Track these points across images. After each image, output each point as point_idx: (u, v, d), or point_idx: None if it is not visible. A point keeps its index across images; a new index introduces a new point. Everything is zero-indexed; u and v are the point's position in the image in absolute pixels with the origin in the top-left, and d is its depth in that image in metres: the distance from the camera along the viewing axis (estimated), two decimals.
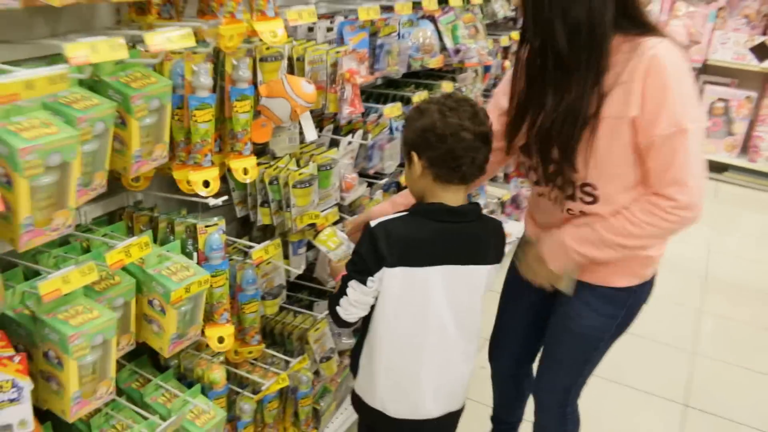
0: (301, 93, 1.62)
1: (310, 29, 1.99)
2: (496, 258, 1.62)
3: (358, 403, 1.75)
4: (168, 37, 1.27)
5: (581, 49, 1.40)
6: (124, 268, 1.39)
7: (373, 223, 1.51)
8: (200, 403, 1.64)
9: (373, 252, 1.49)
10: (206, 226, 1.55)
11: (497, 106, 1.69)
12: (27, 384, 1.09)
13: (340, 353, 2.26)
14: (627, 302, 1.68)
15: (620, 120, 1.43)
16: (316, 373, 2.17)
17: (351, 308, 1.56)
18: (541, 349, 1.88)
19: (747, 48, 5.12)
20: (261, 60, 1.61)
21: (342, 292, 1.56)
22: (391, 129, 2.19)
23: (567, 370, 1.80)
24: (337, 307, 1.58)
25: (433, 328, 1.59)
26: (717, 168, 5.48)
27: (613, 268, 1.62)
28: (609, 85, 1.42)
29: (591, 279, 1.65)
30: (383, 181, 2.28)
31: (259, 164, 1.73)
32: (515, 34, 3.20)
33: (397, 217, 1.53)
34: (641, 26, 1.44)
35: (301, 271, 1.96)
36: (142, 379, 1.71)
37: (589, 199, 1.55)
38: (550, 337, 1.80)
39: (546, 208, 1.68)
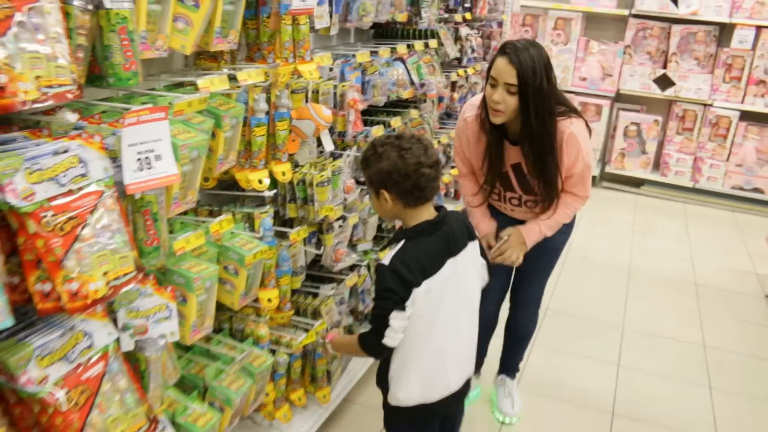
0: (322, 115, 2.21)
1: None
2: (471, 236, 2.00)
3: (396, 412, 2.02)
4: (248, 73, 1.85)
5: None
6: (207, 243, 1.94)
7: (386, 262, 1.82)
8: (255, 349, 2.17)
9: (401, 282, 1.79)
10: (261, 213, 2.11)
11: (466, 161, 2.58)
12: (174, 306, 1.62)
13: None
14: (571, 228, 2.65)
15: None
16: None
17: (396, 335, 1.85)
18: (517, 271, 2.74)
19: (651, 79, 5.98)
20: (292, 92, 2.20)
21: (383, 326, 1.83)
22: None
23: (542, 277, 2.77)
24: (384, 340, 1.85)
25: (448, 314, 1.91)
26: (635, 183, 6.29)
27: None
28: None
29: None
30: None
31: None
32: (462, 72, 3.88)
33: (400, 249, 1.84)
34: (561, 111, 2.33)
35: (320, 252, 2.51)
36: (203, 339, 2.23)
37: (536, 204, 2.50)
38: (531, 259, 2.52)
39: (502, 210, 2.64)
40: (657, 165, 6.23)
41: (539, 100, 2.18)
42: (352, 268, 2.90)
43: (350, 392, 2.92)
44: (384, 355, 1.95)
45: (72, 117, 1.31)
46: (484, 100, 2.33)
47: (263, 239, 2.11)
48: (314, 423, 2.62)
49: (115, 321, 1.51)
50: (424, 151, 1.81)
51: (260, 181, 2.07)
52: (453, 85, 3.91)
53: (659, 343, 3.68)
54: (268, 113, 2.01)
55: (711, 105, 5.86)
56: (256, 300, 2.17)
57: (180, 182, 1.56)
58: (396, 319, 1.82)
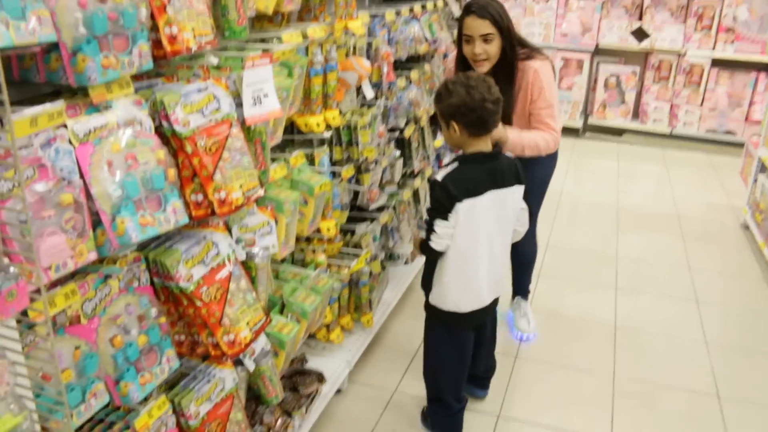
0: (364, 66, 2.53)
1: None
2: (519, 180, 2.29)
3: (433, 311, 2.42)
4: (305, 29, 2.17)
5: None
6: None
7: (439, 178, 2.16)
8: (320, 273, 2.52)
9: (447, 196, 2.15)
10: (320, 152, 2.43)
11: None
12: (274, 223, 1.94)
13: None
14: (553, 162, 2.93)
15: (524, 102, 2.71)
16: None
17: (440, 240, 2.20)
18: None
19: (628, 32, 6.35)
20: (337, 47, 2.51)
21: (430, 230, 2.20)
22: (400, 97, 3.12)
23: (534, 207, 2.90)
24: (430, 243, 2.22)
25: (485, 237, 2.24)
26: (616, 132, 6.69)
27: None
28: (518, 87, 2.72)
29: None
30: (396, 134, 3.21)
31: None
32: None
33: (453, 169, 2.17)
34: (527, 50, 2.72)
35: (361, 188, 2.85)
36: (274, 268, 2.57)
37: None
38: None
39: None
40: (636, 114, 6.63)
41: (511, 39, 2.62)
42: (381, 209, 3.24)
43: (386, 320, 3.28)
44: (432, 256, 2.31)
45: (214, 60, 1.62)
46: (456, 62, 2.78)
47: (323, 174, 2.43)
48: (361, 344, 2.98)
49: (230, 234, 1.84)
50: (488, 89, 2.13)
51: (318, 124, 2.39)
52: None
53: (649, 267, 4.09)
54: (323, 65, 2.33)
55: (684, 54, 6.25)
56: (317, 230, 2.50)
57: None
58: (440, 226, 2.19)
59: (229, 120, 1.62)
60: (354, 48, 2.65)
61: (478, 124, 2.15)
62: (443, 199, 2.17)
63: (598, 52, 6.59)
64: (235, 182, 1.60)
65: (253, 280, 1.92)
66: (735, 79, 6.18)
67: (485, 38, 2.56)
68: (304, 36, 2.14)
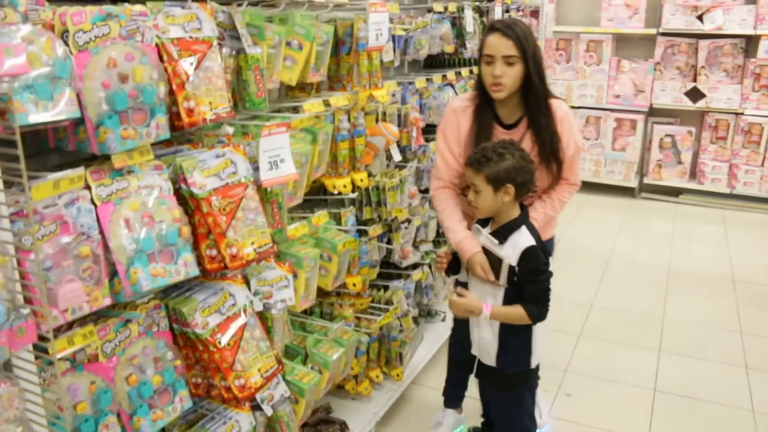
0: (391, 132, 2.69)
1: None
2: None
3: (521, 378, 2.40)
4: (328, 98, 2.35)
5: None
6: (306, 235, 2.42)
7: (531, 243, 2.17)
8: (344, 326, 2.64)
9: (546, 258, 2.22)
10: (346, 211, 2.59)
11: (451, 163, 2.49)
12: (291, 278, 2.09)
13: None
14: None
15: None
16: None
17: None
18: None
19: (682, 93, 6.35)
20: (365, 114, 2.69)
21: (549, 294, 2.22)
22: (433, 159, 3.27)
23: None
24: (549, 304, 2.23)
25: None
26: (672, 192, 6.62)
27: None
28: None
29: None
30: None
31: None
32: None
33: (531, 232, 2.21)
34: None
35: (391, 246, 2.98)
36: (300, 321, 2.71)
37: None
38: None
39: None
40: (693, 174, 6.55)
41: (538, 65, 2.32)
42: (416, 266, 3.35)
43: (417, 376, 3.35)
44: (544, 318, 2.26)
45: (230, 129, 1.81)
46: (475, 87, 2.45)
47: (348, 233, 2.58)
48: (390, 398, 3.06)
49: (248, 287, 1.99)
50: (525, 152, 2.20)
51: (344, 186, 2.55)
52: None
53: (697, 330, 4.01)
54: (349, 131, 2.50)
55: (742, 113, 6.19)
56: (344, 285, 2.63)
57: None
58: (550, 284, 2.23)
59: (245, 183, 1.79)
60: (384, 114, 2.82)
61: (528, 186, 2.19)
62: (547, 262, 2.22)
63: (652, 112, 6.60)
64: (248, 239, 1.76)
65: (269, 330, 2.06)
66: None
67: (507, 60, 2.27)
68: (327, 104, 2.32)
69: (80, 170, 1.36)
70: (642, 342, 3.85)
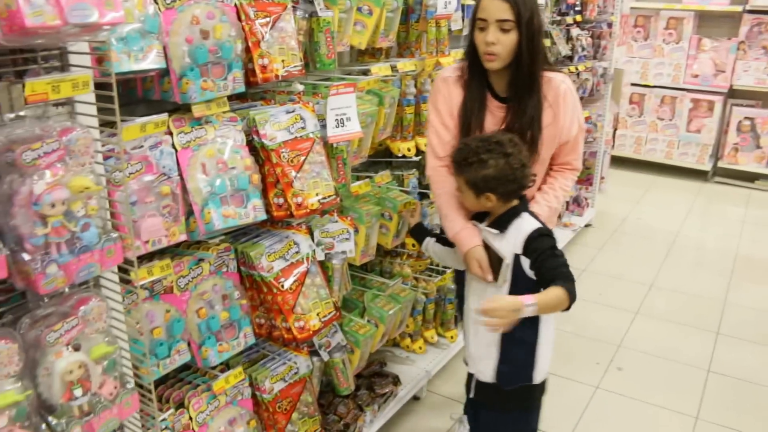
0: None
1: None
2: None
3: (523, 394, 2.11)
4: (395, 63, 2.44)
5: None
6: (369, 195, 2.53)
7: (538, 226, 1.94)
8: (401, 284, 2.75)
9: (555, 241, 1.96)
10: (409, 174, 2.69)
11: (445, 125, 2.19)
12: (353, 231, 2.21)
13: None
14: None
15: (550, 126, 2.12)
16: None
17: None
18: None
19: (767, 74, 6.12)
20: (432, 80, 2.76)
21: (571, 270, 1.89)
22: None
23: None
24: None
25: None
26: (748, 177, 6.41)
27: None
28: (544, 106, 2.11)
29: None
30: None
31: None
32: (572, 68, 4.33)
33: (534, 217, 2.00)
34: (547, 65, 2.14)
35: None
36: (360, 277, 2.84)
37: None
38: None
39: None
40: None
41: (532, 36, 2.00)
42: None
43: None
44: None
45: (300, 86, 1.93)
46: (465, 56, 2.17)
47: (410, 194, 2.68)
48: (443, 358, 3.16)
49: (312, 238, 2.13)
50: (521, 152, 1.95)
51: (408, 149, 2.65)
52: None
53: (758, 316, 3.95)
54: (415, 96, 2.59)
55: None
56: (403, 245, 2.74)
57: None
58: None
59: (313, 138, 1.92)
60: None
61: (516, 192, 1.99)
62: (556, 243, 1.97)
63: (732, 94, 6.39)
64: (313, 190, 1.88)
65: (329, 279, 2.19)
66: None
67: (502, 26, 1.96)
68: (394, 69, 2.41)
69: (164, 116, 1.51)
70: (701, 324, 3.82)
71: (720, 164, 6.52)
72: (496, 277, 1.99)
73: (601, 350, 3.50)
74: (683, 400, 3.10)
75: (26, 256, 1.17)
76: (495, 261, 1.99)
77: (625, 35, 5.73)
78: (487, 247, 2.02)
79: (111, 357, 1.34)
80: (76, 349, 1.29)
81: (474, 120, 2.13)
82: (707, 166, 6.47)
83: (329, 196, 1.93)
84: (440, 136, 2.21)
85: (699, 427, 2.92)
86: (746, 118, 6.30)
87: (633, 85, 6.41)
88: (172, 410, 1.78)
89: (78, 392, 1.30)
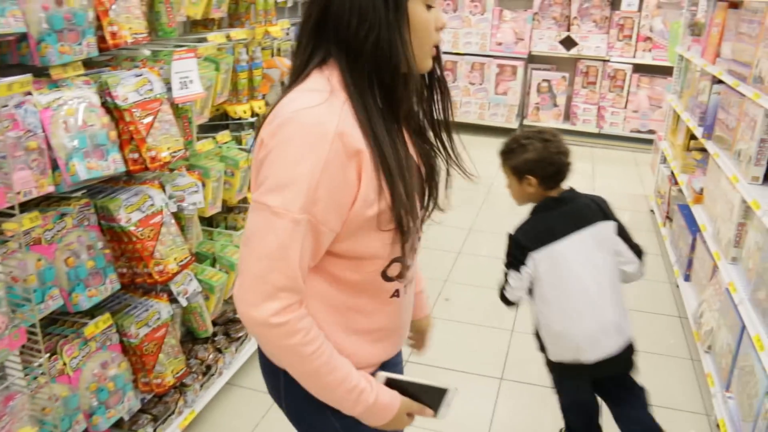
0: (285, 65, 3.04)
1: None
2: (605, 216, 2.19)
3: (559, 368, 2.24)
4: (229, 33, 2.68)
5: None
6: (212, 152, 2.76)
7: (513, 230, 2.14)
8: None
9: (518, 247, 2.12)
10: (246, 134, 2.94)
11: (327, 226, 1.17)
12: (200, 184, 2.44)
13: None
14: None
15: None
16: None
17: (514, 292, 2.16)
18: None
19: (557, 41, 6.96)
20: (262, 48, 3.02)
21: (505, 281, 2.17)
22: None
23: None
24: (505, 293, 2.18)
25: (581, 281, 2.10)
26: None
27: None
28: None
29: None
30: None
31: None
32: None
33: (525, 220, 2.17)
34: None
35: None
36: (208, 232, 3.06)
37: None
38: None
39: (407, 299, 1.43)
40: (567, 116, 7.23)
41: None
42: None
43: None
44: (509, 306, 2.23)
45: (147, 52, 2.13)
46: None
47: (249, 152, 2.93)
48: None
49: (164, 191, 2.33)
50: (561, 141, 2.15)
51: (244, 111, 2.90)
52: None
53: None
54: (248, 62, 2.84)
55: (608, 60, 6.87)
56: (245, 200, 3.00)
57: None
58: (513, 278, 2.15)
59: (160, 99, 2.12)
60: (278, 50, 3.16)
61: (554, 177, 2.15)
62: (515, 252, 2.15)
63: (531, 59, 7.19)
64: (164, 144, 2.10)
65: (183, 229, 2.41)
66: (654, 83, 6.81)
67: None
68: (228, 38, 2.65)
69: (29, 76, 1.66)
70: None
71: (525, 122, 7.33)
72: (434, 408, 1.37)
73: (431, 286, 3.98)
74: (501, 319, 3.64)
75: None
76: (425, 392, 1.35)
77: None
78: (401, 384, 1.34)
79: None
80: None
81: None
82: (515, 125, 7.24)
83: (179, 150, 2.15)
84: (318, 238, 1.17)
85: (514, 338, 3.47)
86: (544, 80, 7.13)
87: (446, 53, 7.01)
88: (45, 356, 1.94)
89: None
